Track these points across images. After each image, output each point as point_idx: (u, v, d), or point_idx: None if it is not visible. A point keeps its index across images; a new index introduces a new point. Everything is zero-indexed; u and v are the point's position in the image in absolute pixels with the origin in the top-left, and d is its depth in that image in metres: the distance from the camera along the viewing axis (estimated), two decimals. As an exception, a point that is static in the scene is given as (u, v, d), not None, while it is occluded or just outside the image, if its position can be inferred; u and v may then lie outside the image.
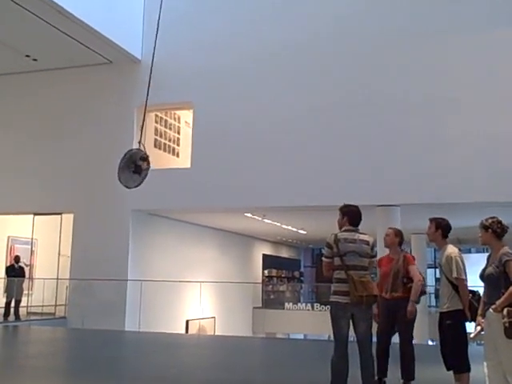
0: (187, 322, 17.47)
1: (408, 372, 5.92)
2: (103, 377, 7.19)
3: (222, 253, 20.69)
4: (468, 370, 5.17)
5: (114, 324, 13.80)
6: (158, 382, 6.83)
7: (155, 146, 16.28)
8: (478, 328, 4.68)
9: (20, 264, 15.05)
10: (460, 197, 12.61)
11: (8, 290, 14.79)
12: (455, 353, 5.15)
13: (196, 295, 16.61)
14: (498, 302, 4.42)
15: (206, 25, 15.11)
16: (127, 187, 8.32)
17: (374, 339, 5.47)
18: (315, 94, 13.90)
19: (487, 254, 4.84)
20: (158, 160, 15.12)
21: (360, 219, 5.14)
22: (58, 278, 16.00)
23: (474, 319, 4.91)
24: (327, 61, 14.02)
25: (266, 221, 18.85)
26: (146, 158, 8.25)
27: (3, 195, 16.03)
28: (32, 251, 17.00)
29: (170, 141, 17.39)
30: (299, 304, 21.13)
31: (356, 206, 5.20)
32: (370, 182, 13.04)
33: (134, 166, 8.13)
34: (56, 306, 16.07)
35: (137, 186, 8.33)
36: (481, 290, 4.88)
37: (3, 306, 14.59)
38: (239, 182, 14.10)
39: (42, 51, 15.32)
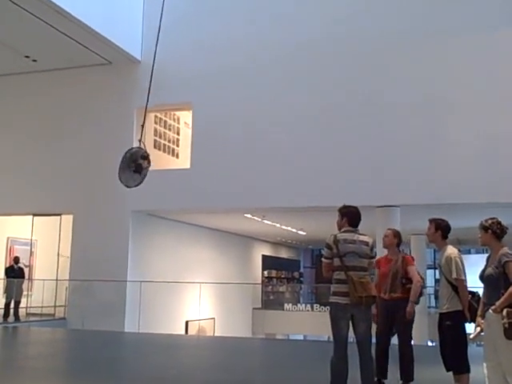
0: (187, 322, 17.46)
1: (407, 373, 5.92)
2: (103, 378, 7.19)
3: (221, 253, 20.69)
4: (468, 370, 5.17)
5: (113, 325, 13.80)
6: (157, 382, 6.83)
7: (155, 147, 16.27)
8: (478, 329, 4.68)
9: (19, 265, 15.06)
10: (460, 197, 12.61)
11: (7, 291, 14.80)
12: (455, 354, 5.15)
13: (195, 296, 16.60)
14: (497, 303, 4.42)
15: (205, 26, 15.12)
16: (128, 186, 8.28)
17: (374, 340, 5.46)
18: (315, 95, 13.91)
19: (487, 255, 4.84)
20: (158, 161, 15.10)
21: (359, 220, 5.14)
22: (57, 279, 15.99)
23: (473, 320, 4.91)
24: (327, 62, 14.01)
25: (265, 221, 18.85)
26: (146, 157, 8.21)
27: (3, 196, 16.03)
28: (31, 252, 17.01)
29: (169, 142, 17.39)
30: (299, 305, 21.12)
31: (355, 207, 5.20)
32: (370, 182, 13.04)
33: (135, 165, 8.09)
34: (55, 306, 16.06)
35: (137, 185, 8.29)
36: (480, 291, 4.88)
37: (3, 306, 14.59)
38: (239, 183, 14.10)
39: (41, 52, 15.32)
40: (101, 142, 15.55)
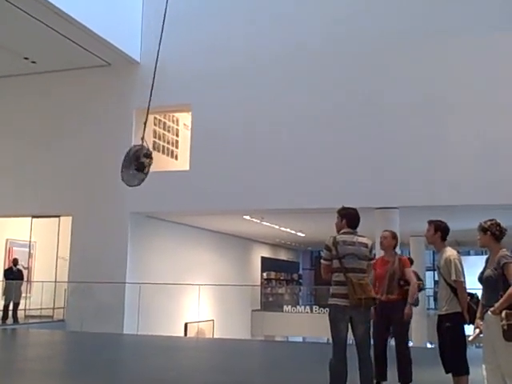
0: (186, 324, 17.44)
1: (405, 375, 5.92)
2: (102, 380, 7.18)
3: (220, 255, 20.67)
4: (467, 372, 5.17)
5: (112, 327, 13.78)
6: (156, 384, 6.82)
7: (154, 149, 16.22)
8: (477, 331, 4.67)
9: (18, 267, 15.05)
10: (459, 199, 12.62)
11: (6, 293, 14.78)
12: (454, 355, 5.15)
13: (194, 298, 16.58)
14: (496, 305, 4.41)
15: (205, 26, 15.11)
16: (129, 186, 8.17)
17: (373, 342, 5.46)
18: (315, 95, 13.89)
19: (486, 257, 4.84)
20: (157, 162, 15.01)
21: (358, 222, 5.14)
22: (56, 281, 15.97)
23: (472, 322, 4.91)
24: (327, 62, 14.01)
25: (264, 223, 18.83)
26: (149, 155, 8.12)
27: (1, 198, 16.01)
28: (30, 254, 16.98)
29: (168, 143, 17.39)
30: (298, 307, 21.15)
31: (354, 209, 5.20)
32: (369, 182, 13.03)
33: (137, 163, 8.00)
34: (54, 308, 16.04)
35: (139, 184, 8.18)
36: (479, 293, 4.88)
37: (1, 308, 14.56)
38: (238, 185, 14.10)
39: (40, 53, 15.32)
40: (100, 144, 15.54)
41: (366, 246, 5.03)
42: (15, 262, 15.05)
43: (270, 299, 24.97)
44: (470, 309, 5.03)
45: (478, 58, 12.89)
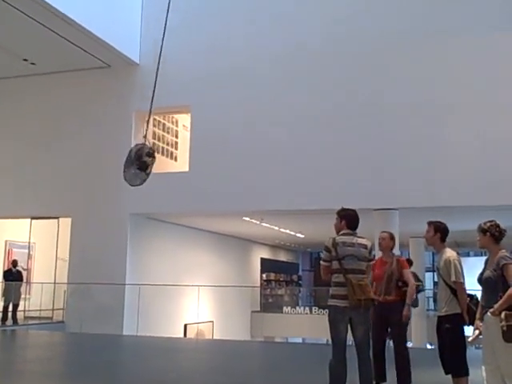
0: (185, 326, 17.43)
1: (404, 376, 5.90)
2: (101, 381, 7.17)
3: (220, 257, 20.66)
4: (466, 373, 5.16)
5: (112, 328, 13.77)
6: (156, 386, 6.82)
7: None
8: (477, 332, 4.67)
9: (17, 268, 15.03)
10: (458, 200, 12.61)
11: (6, 295, 14.78)
12: (454, 356, 5.14)
13: (194, 299, 16.58)
14: (495, 306, 4.40)
15: (204, 27, 15.11)
16: (132, 185, 8.10)
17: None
18: (315, 95, 13.89)
19: (485, 258, 4.84)
20: (156, 164, 14.98)
21: (358, 223, 5.14)
22: (55, 283, 15.97)
23: (472, 323, 4.91)
24: (327, 62, 14.01)
25: (263, 224, 18.82)
26: (151, 154, 8.06)
27: (1, 199, 16.01)
28: (29, 255, 16.98)
29: (167, 145, 17.39)
30: (297, 308, 21.15)
31: (353, 210, 5.20)
32: (369, 183, 13.03)
33: (139, 162, 7.93)
34: (54, 310, 16.03)
35: (141, 184, 8.10)
36: (478, 294, 4.88)
37: (1, 310, 14.56)
38: (237, 186, 14.09)
39: (40, 55, 15.32)
40: (99, 145, 15.53)
41: (365, 247, 5.03)
42: (14, 263, 15.04)
43: (270, 300, 24.95)
44: (470, 310, 5.02)
45: (478, 58, 12.89)
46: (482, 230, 4.74)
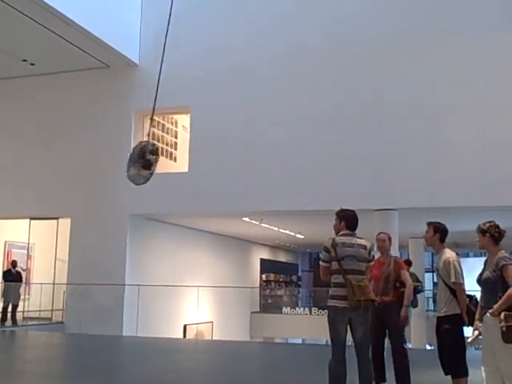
0: (185, 326, 17.42)
1: (403, 377, 5.90)
2: (101, 382, 7.18)
3: (219, 257, 20.66)
4: (466, 374, 5.16)
5: (111, 329, 13.76)
6: (155, 387, 6.81)
7: (153, 151, 16.21)
8: (476, 332, 4.66)
9: (17, 269, 15.02)
10: (458, 200, 12.60)
11: (5, 295, 14.77)
12: (453, 357, 5.14)
13: (194, 300, 16.57)
14: (495, 307, 4.40)
15: (204, 27, 15.09)
16: (136, 184, 8.03)
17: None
18: (315, 95, 13.87)
19: (484, 259, 4.83)
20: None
21: (357, 223, 5.14)
22: (54, 283, 15.96)
23: (471, 324, 4.90)
24: (327, 62, 14.00)
25: (263, 225, 18.82)
26: (155, 151, 7.98)
27: (0, 199, 15.99)
28: (29, 256, 16.97)
29: (167, 145, 17.36)
30: (297, 308, 21.15)
31: (352, 211, 5.20)
32: (369, 183, 13.02)
33: (143, 160, 7.86)
34: (53, 310, 16.01)
35: (145, 183, 8.03)
36: (478, 295, 4.87)
37: (0, 310, 14.55)
38: (237, 187, 14.08)
39: (39, 56, 15.31)
40: (99, 145, 15.52)
41: (364, 247, 5.02)
42: (14, 263, 15.04)
43: (269, 301, 24.95)
44: (469, 311, 5.02)
45: (478, 57, 12.88)
46: (482, 231, 4.73)
